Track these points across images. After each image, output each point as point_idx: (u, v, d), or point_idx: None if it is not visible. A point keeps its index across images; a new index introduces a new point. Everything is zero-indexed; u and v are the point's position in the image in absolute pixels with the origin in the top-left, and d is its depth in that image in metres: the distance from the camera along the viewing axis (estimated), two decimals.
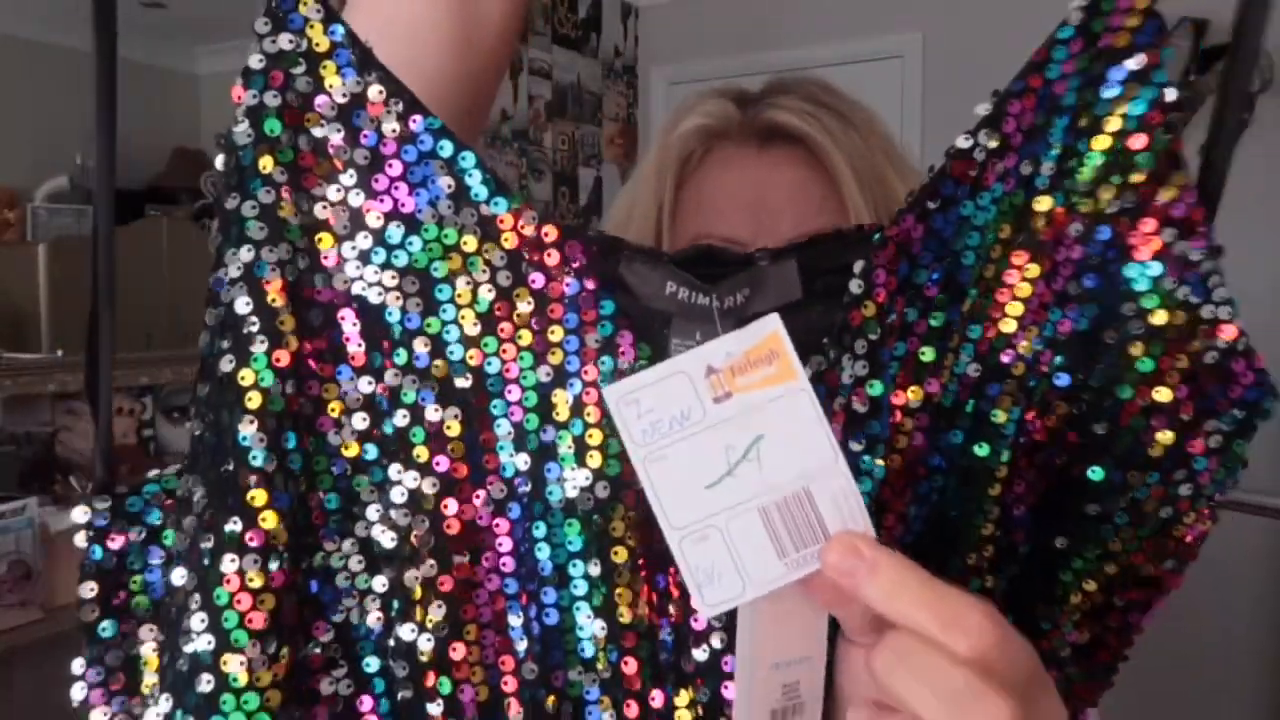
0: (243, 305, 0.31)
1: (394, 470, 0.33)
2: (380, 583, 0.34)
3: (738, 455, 0.29)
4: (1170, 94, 0.32)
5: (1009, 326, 0.32)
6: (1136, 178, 0.31)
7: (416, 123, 0.32)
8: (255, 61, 0.31)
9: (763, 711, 0.31)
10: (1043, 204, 0.31)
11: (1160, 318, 0.31)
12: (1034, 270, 0.31)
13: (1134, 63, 0.31)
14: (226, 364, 0.32)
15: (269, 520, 0.31)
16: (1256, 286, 2.56)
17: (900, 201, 0.47)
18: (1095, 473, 0.32)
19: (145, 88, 2.11)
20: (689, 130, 0.59)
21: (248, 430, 0.31)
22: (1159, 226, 0.31)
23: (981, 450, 0.33)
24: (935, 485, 0.33)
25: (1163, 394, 0.31)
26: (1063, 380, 0.32)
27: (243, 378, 0.31)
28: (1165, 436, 0.31)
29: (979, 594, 0.32)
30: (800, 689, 0.31)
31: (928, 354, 0.32)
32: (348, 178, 0.32)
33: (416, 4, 0.38)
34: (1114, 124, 0.31)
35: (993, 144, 0.32)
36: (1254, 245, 2.55)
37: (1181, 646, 2.66)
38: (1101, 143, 0.31)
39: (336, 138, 0.31)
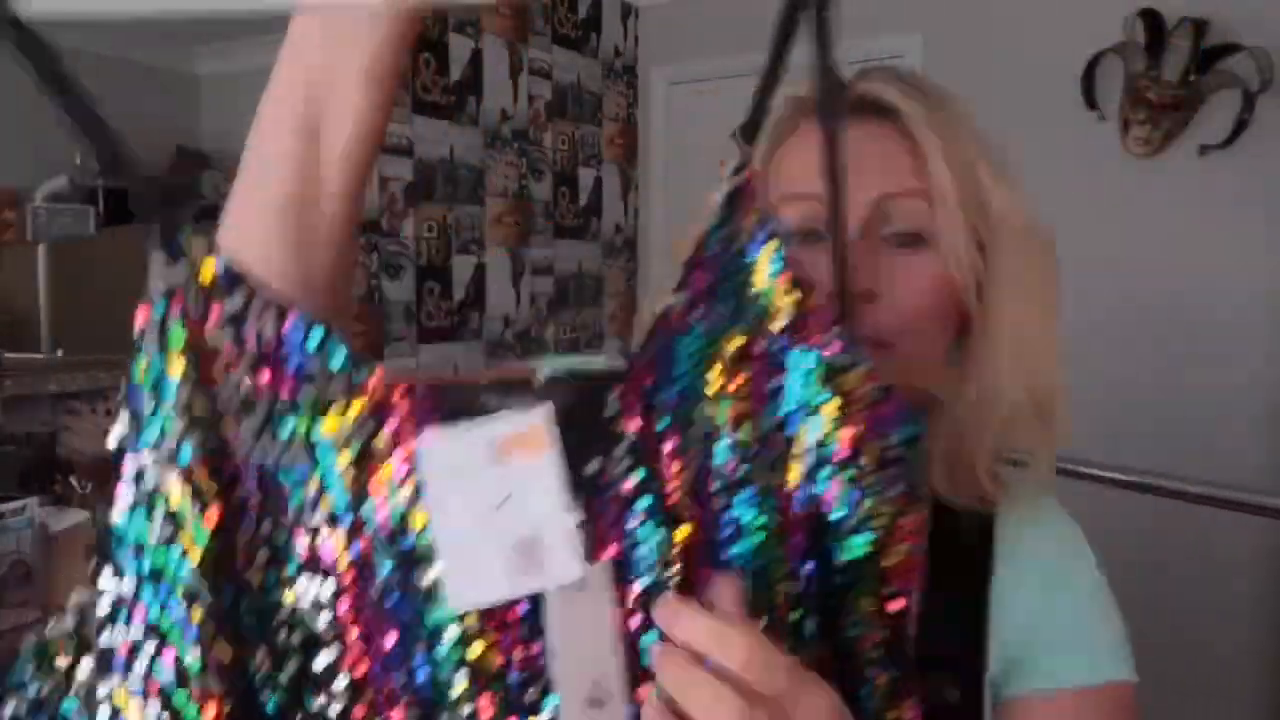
0: (174, 486, 0.40)
1: (301, 580, 0.43)
2: (293, 668, 0.43)
3: (499, 502, 0.41)
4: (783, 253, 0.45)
5: (740, 425, 0.44)
6: (788, 303, 0.45)
7: (291, 321, 0.41)
8: (157, 287, 0.39)
9: (578, 700, 0.42)
10: (733, 335, 0.45)
11: (837, 382, 0.44)
12: (742, 379, 0.44)
13: (763, 236, 0.46)
14: (164, 529, 0.40)
15: (219, 645, 0.40)
16: (1256, 286, 2.56)
17: (987, 188, 0.61)
18: (840, 506, 0.45)
19: (145, 88, 2.10)
20: (783, 100, 0.65)
21: (192, 578, 0.40)
22: (810, 329, 0.45)
23: (756, 517, 0.44)
24: (733, 551, 0.44)
25: (848, 433, 0.44)
26: (791, 446, 0.45)
27: (184, 538, 0.40)
28: (871, 450, 0.44)
29: (790, 626, 0.45)
30: (604, 684, 0.42)
31: (681, 450, 0.44)
32: (240, 371, 0.41)
33: (254, 253, 0.44)
34: (762, 275, 0.45)
35: (685, 300, 0.46)
36: (1254, 245, 2.55)
37: (1182, 646, 2.67)
38: (757, 286, 0.45)
39: (229, 342, 0.40)
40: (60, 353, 1.86)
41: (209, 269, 0.39)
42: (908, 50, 2.95)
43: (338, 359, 0.41)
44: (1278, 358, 2.53)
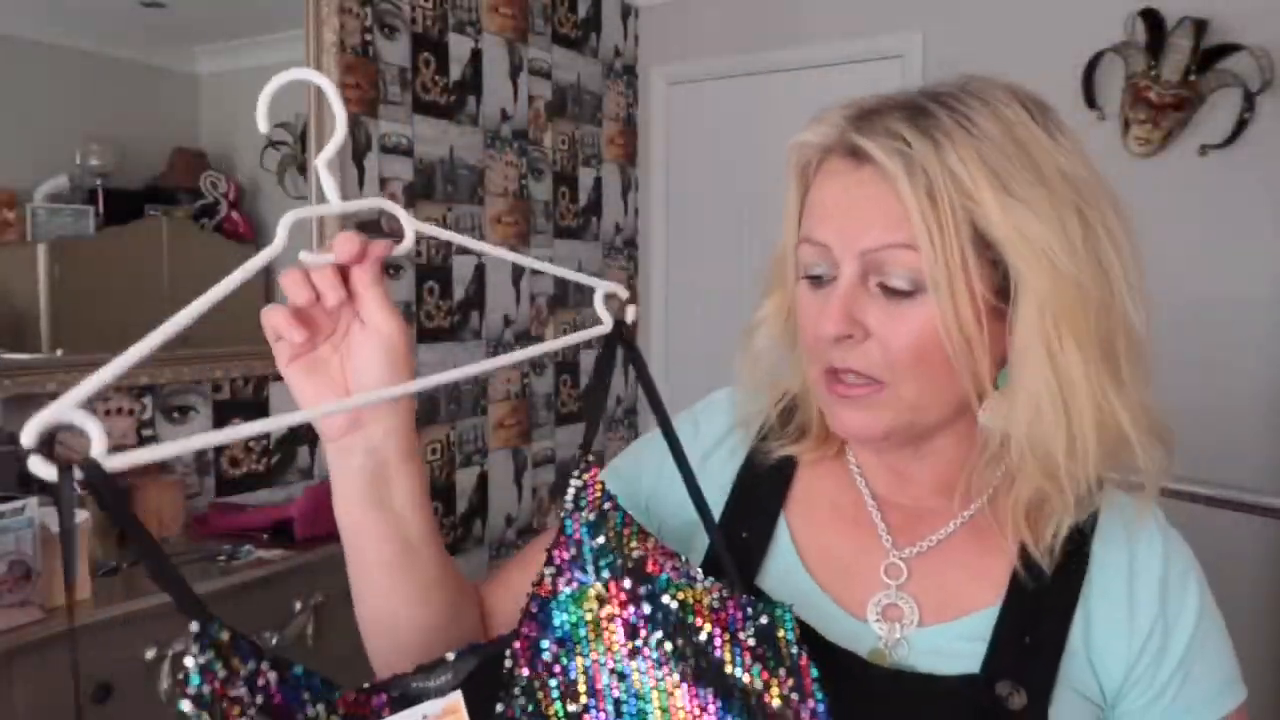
0: None
1: None
2: None
3: None
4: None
5: (619, 649, 0.59)
6: (631, 555, 0.62)
7: (290, 671, 0.53)
8: (191, 663, 0.47)
9: None
10: (596, 587, 0.60)
11: (681, 594, 0.59)
12: (616, 611, 0.59)
13: (597, 514, 0.63)
14: None
15: None
16: (1256, 286, 2.56)
17: (994, 223, 0.59)
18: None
19: (145, 88, 2.10)
20: (801, 143, 0.68)
21: None
22: (654, 573, 0.61)
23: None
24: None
25: (720, 620, 0.60)
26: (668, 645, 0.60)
27: None
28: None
29: None
30: None
31: (565, 676, 0.60)
32: (253, 712, 0.50)
33: (383, 608, 0.67)
34: (609, 532, 0.62)
35: (553, 572, 0.61)
36: (1254, 245, 2.55)
37: None
38: (608, 548, 0.61)
39: (245, 694, 0.50)
40: (60, 353, 1.86)
41: (226, 641, 0.50)
42: (908, 49, 2.95)
43: (320, 689, 0.55)
44: (1278, 358, 2.53)
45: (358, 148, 2.44)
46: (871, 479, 0.73)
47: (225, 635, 0.49)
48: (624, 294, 0.66)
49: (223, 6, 2.23)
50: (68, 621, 0.44)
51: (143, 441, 2.00)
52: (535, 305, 3.08)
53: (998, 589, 0.66)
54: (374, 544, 0.63)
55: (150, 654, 1.50)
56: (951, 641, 0.65)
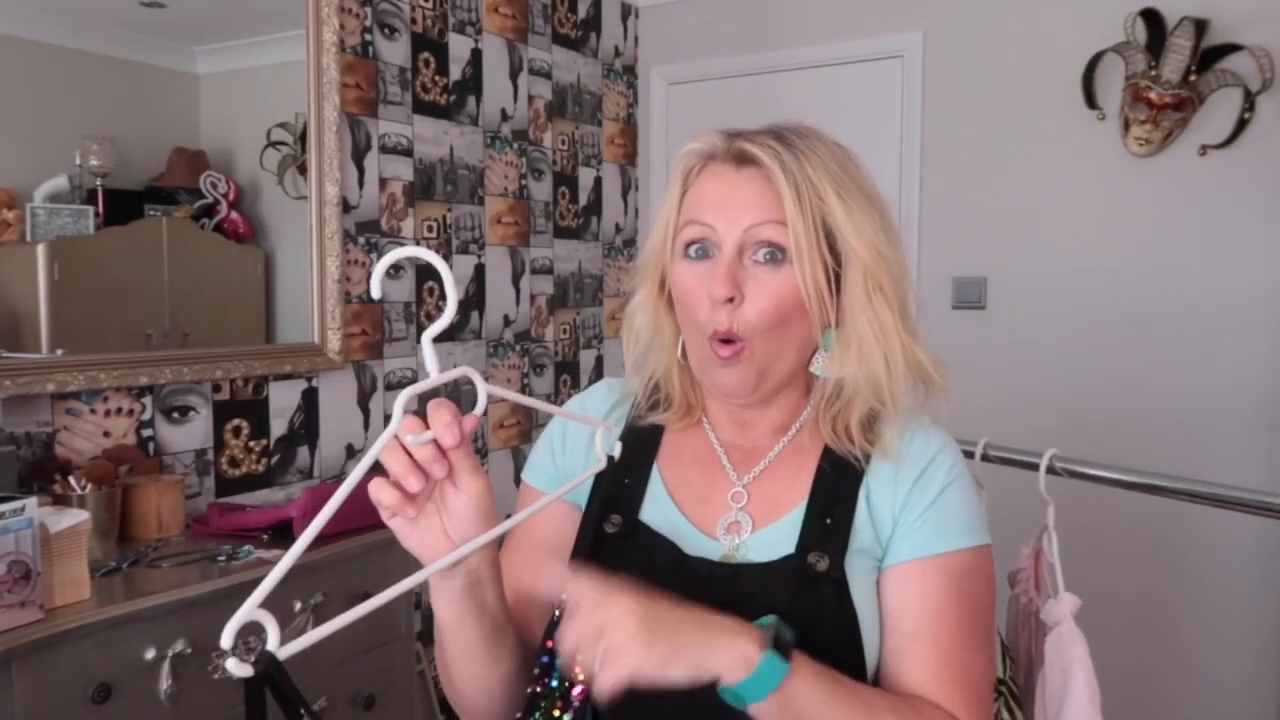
0: None
1: None
2: None
3: None
4: None
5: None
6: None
7: None
8: None
9: None
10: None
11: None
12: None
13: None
14: None
15: None
16: (1256, 286, 2.56)
17: (838, 222, 0.82)
18: None
19: (145, 88, 2.10)
20: (689, 152, 0.90)
21: None
22: None
23: None
24: None
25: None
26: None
27: None
28: None
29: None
30: None
31: None
32: None
33: (472, 672, 0.85)
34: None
35: (539, 670, 0.81)
36: (1254, 245, 2.55)
37: (1181, 644, 2.67)
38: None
39: None
40: (60, 353, 1.86)
41: None
42: (908, 49, 2.95)
43: None
44: (1278, 357, 2.53)
45: (358, 148, 2.44)
46: (720, 431, 0.94)
47: None
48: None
49: (223, 6, 2.22)
50: None
51: (142, 442, 2.00)
52: (535, 305, 3.08)
53: (806, 491, 0.87)
54: (475, 630, 0.80)
55: (150, 654, 1.50)
56: (776, 536, 0.85)
